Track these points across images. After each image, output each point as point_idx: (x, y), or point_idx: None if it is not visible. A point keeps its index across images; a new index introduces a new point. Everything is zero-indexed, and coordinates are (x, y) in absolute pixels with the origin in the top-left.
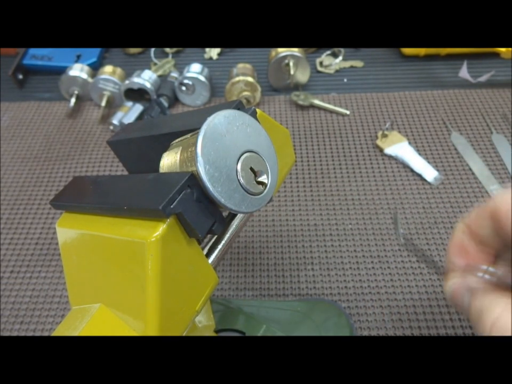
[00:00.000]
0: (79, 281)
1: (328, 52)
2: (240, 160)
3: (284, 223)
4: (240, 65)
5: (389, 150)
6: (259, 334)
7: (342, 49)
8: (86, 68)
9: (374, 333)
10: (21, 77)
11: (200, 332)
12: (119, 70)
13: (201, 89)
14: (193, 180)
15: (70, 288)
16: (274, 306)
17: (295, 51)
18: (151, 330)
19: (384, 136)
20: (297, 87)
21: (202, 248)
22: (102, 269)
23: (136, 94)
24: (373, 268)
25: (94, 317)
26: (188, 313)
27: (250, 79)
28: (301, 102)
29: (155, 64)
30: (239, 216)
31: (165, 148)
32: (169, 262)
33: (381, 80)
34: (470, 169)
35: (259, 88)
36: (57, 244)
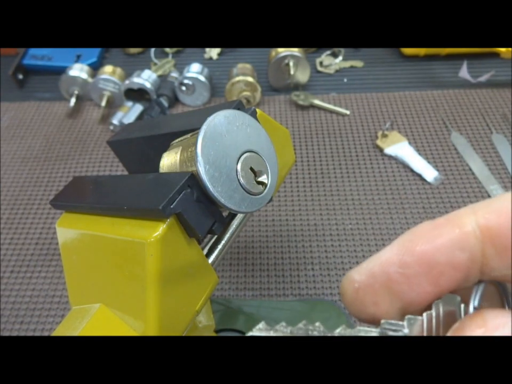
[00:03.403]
0: (79, 281)
1: (328, 52)
2: (240, 160)
3: (283, 223)
4: (240, 65)
5: (389, 150)
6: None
7: (342, 49)
8: (86, 68)
9: None
10: (21, 77)
11: (200, 332)
12: (119, 70)
13: (201, 89)
14: (193, 180)
15: (70, 288)
16: (274, 306)
17: (295, 51)
18: (151, 330)
19: (384, 136)
20: (297, 87)
21: (202, 248)
22: (102, 269)
23: (136, 94)
24: None
25: (94, 317)
26: (188, 313)
27: (250, 79)
28: (301, 102)
29: (155, 64)
30: (239, 216)
31: (165, 147)
32: (169, 262)
33: (381, 80)
34: (470, 169)
35: (259, 88)
36: (57, 243)
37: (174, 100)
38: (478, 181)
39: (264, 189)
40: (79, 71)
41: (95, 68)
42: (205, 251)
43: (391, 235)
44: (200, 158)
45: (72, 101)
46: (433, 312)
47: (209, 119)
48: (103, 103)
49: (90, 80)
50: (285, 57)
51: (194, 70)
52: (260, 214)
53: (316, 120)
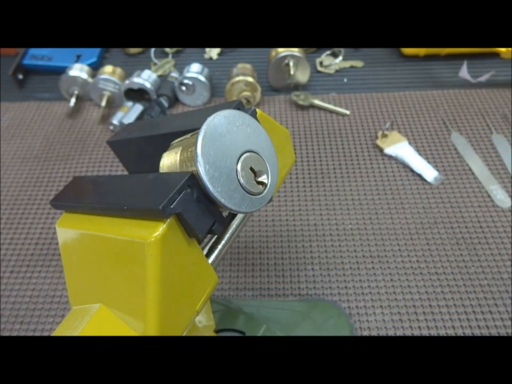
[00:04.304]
0: (79, 281)
1: (328, 52)
2: (240, 160)
3: (283, 223)
4: (240, 65)
5: (389, 150)
6: (259, 334)
7: (342, 49)
8: (86, 68)
9: (374, 333)
10: (21, 77)
11: (200, 332)
12: (119, 70)
13: (201, 89)
14: (193, 179)
15: (70, 288)
16: (274, 306)
17: (295, 51)
18: (151, 330)
19: (384, 136)
20: (297, 87)
21: (202, 248)
22: (102, 269)
23: (136, 94)
24: (373, 268)
25: (94, 317)
26: (188, 313)
27: (250, 79)
28: (301, 102)
29: (155, 64)
30: (239, 216)
31: (165, 147)
32: (169, 262)
33: (381, 80)
34: (470, 169)
35: (259, 88)
36: (57, 243)
37: (174, 100)
38: (478, 181)
39: (264, 189)
40: (79, 71)
41: (95, 68)
42: (205, 251)
43: (391, 235)
44: (200, 158)
45: (72, 101)
46: None
47: (209, 119)
48: (103, 103)
49: (90, 80)
50: (285, 57)
51: (194, 70)
52: (260, 214)
53: (316, 120)
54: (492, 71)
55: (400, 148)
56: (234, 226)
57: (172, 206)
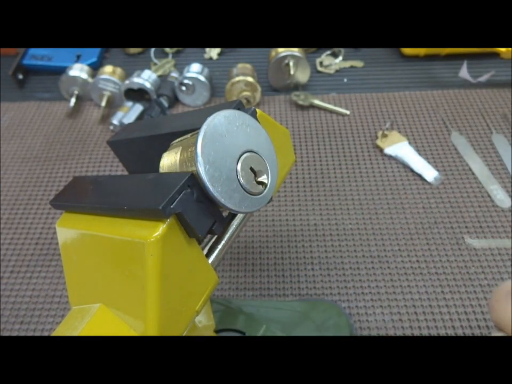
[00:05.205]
0: (79, 281)
1: (328, 52)
2: (240, 160)
3: (283, 223)
4: (240, 65)
5: (389, 150)
6: (259, 334)
7: (342, 49)
8: (86, 68)
9: (374, 333)
10: (21, 77)
11: (200, 332)
12: (119, 70)
13: (201, 89)
14: (193, 179)
15: (70, 288)
16: (274, 306)
17: (295, 51)
18: (151, 330)
19: (384, 136)
20: (297, 87)
21: (202, 248)
22: (102, 269)
23: (136, 94)
24: (373, 267)
25: (94, 317)
26: (188, 313)
27: (250, 79)
28: (301, 102)
29: (155, 64)
30: (239, 216)
31: (165, 147)
32: (169, 262)
33: (381, 80)
34: (470, 169)
35: (259, 88)
36: (57, 243)
37: (174, 100)
38: (478, 181)
39: (264, 189)
40: (79, 71)
41: (95, 68)
42: (205, 251)
43: (391, 235)
44: (200, 158)
45: (72, 101)
46: None
47: (209, 119)
48: (103, 103)
49: (90, 80)
50: (285, 57)
51: (194, 70)
52: (260, 214)
53: (316, 120)
54: (492, 71)
55: (400, 148)
56: (234, 226)
57: (172, 206)
